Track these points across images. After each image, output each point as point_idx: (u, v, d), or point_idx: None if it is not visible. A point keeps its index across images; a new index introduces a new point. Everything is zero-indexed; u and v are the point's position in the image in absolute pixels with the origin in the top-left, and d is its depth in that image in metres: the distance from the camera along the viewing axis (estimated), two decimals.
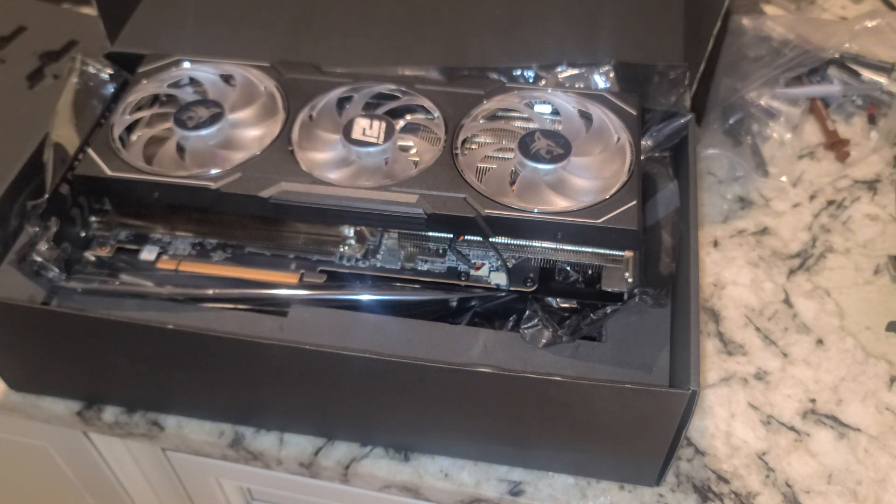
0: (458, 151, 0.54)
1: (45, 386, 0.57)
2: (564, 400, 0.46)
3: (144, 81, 0.60)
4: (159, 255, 0.56)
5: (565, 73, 0.62)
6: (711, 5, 0.56)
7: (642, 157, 0.56)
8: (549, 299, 0.52)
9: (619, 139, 0.55)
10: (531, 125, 0.57)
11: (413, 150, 0.56)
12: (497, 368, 0.46)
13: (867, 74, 0.74)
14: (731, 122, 0.70)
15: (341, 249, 0.55)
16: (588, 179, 0.53)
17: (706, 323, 0.60)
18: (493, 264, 0.54)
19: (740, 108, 0.71)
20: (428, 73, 0.62)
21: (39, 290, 0.52)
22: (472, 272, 0.54)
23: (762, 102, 0.72)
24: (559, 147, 0.53)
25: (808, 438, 0.54)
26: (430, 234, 0.54)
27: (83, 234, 0.56)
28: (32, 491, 0.82)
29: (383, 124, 0.55)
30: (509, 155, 0.55)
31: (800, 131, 0.72)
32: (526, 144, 0.53)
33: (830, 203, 0.68)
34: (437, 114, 0.57)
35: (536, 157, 0.53)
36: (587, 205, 0.51)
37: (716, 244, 0.65)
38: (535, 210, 0.51)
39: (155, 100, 0.60)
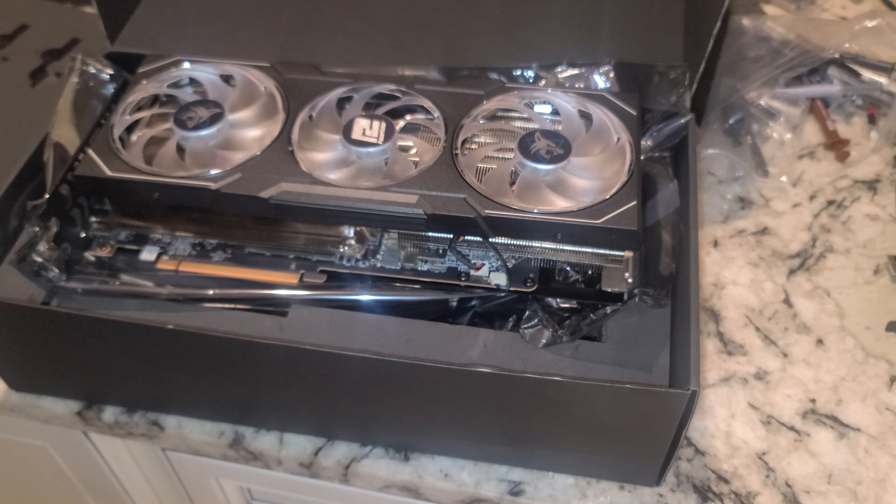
0: (458, 152, 0.54)
1: (45, 386, 0.57)
2: (564, 400, 0.46)
3: (144, 82, 0.60)
4: (159, 255, 0.56)
5: (565, 73, 0.62)
6: (711, 5, 0.56)
7: (642, 157, 0.56)
8: (549, 299, 0.52)
9: (619, 139, 0.55)
10: (531, 125, 0.57)
11: (413, 151, 0.56)
12: (497, 368, 0.46)
13: (867, 74, 0.74)
14: (731, 122, 0.70)
15: (341, 250, 0.55)
16: (588, 180, 0.53)
17: (706, 323, 0.60)
18: (493, 264, 0.54)
19: (740, 108, 0.71)
20: (428, 73, 0.62)
21: (39, 290, 0.52)
22: (472, 272, 0.54)
23: (762, 102, 0.72)
24: (559, 147, 0.53)
25: (808, 438, 0.54)
26: (430, 234, 0.54)
27: (83, 235, 0.56)
28: (32, 491, 0.82)
29: (383, 124, 0.55)
30: (509, 155, 0.55)
31: (800, 131, 0.72)
32: (526, 145, 0.53)
33: (830, 203, 0.68)
34: (437, 114, 0.57)
35: (536, 158, 0.53)
36: (587, 205, 0.51)
37: (716, 244, 0.65)
38: (535, 210, 0.51)
39: (155, 100, 0.60)
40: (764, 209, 0.67)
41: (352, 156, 0.54)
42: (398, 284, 0.54)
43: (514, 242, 0.53)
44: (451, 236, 0.53)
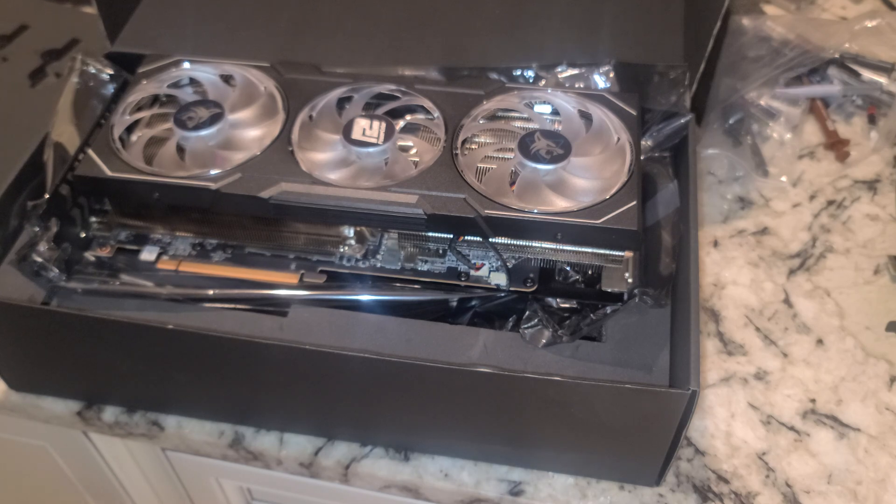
0: (458, 152, 0.54)
1: (45, 386, 0.57)
2: (564, 400, 0.46)
3: (144, 82, 0.60)
4: (159, 255, 0.56)
5: (565, 73, 0.62)
6: (711, 5, 0.56)
7: (642, 157, 0.56)
8: (549, 299, 0.52)
9: (619, 139, 0.55)
10: (531, 125, 0.57)
11: (413, 151, 0.56)
12: (497, 368, 0.46)
13: (867, 74, 0.74)
14: (731, 122, 0.70)
15: (341, 250, 0.55)
16: (588, 180, 0.53)
17: (706, 323, 0.60)
18: (493, 264, 0.54)
19: (740, 108, 0.71)
20: (428, 73, 0.62)
21: (39, 290, 0.52)
22: (472, 272, 0.54)
23: (762, 102, 0.72)
24: (559, 147, 0.53)
25: (808, 438, 0.54)
26: (430, 234, 0.54)
27: (83, 235, 0.56)
28: (32, 491, 0.82)
29: (383, 124, 0.55)
30: (509, 155, 0.55)
31: (800, 131, 0.72)
32: (526, 145, 0.53)
33: (830, 203, 0.68)
34: (437, 114, 0.57)
35: (536, 158, 0.53)
36: (587, 205, 0.51)
37: (716, 244, 0.65)
38: (535, 210, 0.51)
39: (155, 100, 0.60)
40: (764, 209, 0.67)
41: (352, 156, 0.54)
42: (398, 284, 0.54)
43: (514, 242, 0.53)
44: (451, 236, 0.53)
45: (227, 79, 0.60)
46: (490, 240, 0.52)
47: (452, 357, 0.49)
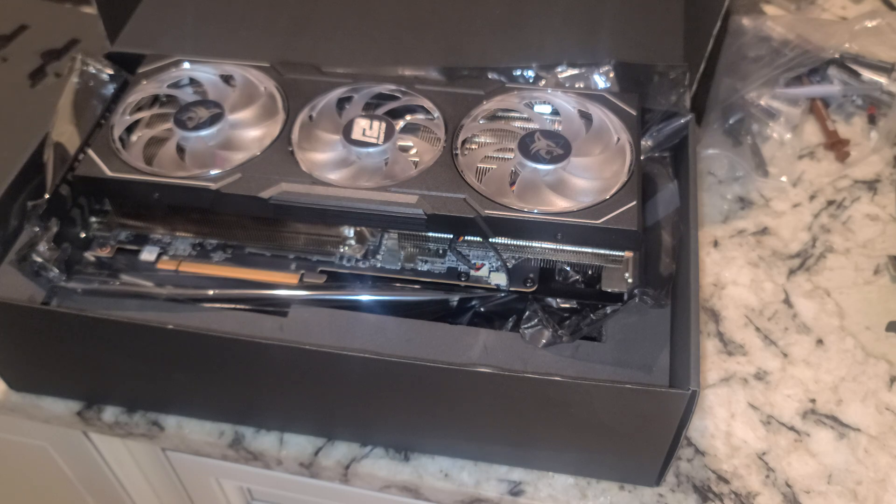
0: (458, 152, 0.54)
1: (45, 386, 0.57)
2: (564, 400, 0.46)
3: (144, 82, 0.60)
4: (159, 255, 0.56)
5: (565, 73, 0.62)
6: (711, 5, 0.56)
7: (642, 157, 0.56)
8: (549, 299, 0.52)
9: (619, 139, 0.55)
10: (531, 125, 0.57)
11: (413, 151, 0.56)
12: (497, 368, 0.46)
13: (867, 74, 0.74)
14: (731, 122, 0.70)
15: (341, 250, 0.55)
16: (588, 180, 0.53)
17: (706, 323, 0.60)
18: (493, 265, 0.54)
19: (740, 108, 0.71)
20: (428, 73, 0.62)
21: (39, 290, 0.52)
22: (472, 272, 0.54)
23: (762, 102, 0.72)
24: (559, 147, 0.53)
25: (808, 438, 0.54)
26: (430, 234, 0.54)
27: (83, 235, 0.56)
28: (32, 491, 0.82)
29: (383, 125, 0.55)
30: (509, 155, 0.55)
31: (800, 131, 0.72)
32: (526, 145, 0.53)
33: (830, 203, 0.68)
34: (437, 114, 0.57)
35: (536, 158, 0.53)
36: (587, 205, 0.51)
37: (716, 244, 0.65)
38: (535, 210, 0.51)
39: (155, 100, 0.60)
40: (764, 209, 0.67)
41: (352, 156, 0.54)
42: (398, 284, 0.54)
43: (514, 242, 0.53)
44: (451, 236, 0.53)
45: (227, 79, 0.60)
46: (490, 240, 0.52)
47: (452, 357, 0.49)
